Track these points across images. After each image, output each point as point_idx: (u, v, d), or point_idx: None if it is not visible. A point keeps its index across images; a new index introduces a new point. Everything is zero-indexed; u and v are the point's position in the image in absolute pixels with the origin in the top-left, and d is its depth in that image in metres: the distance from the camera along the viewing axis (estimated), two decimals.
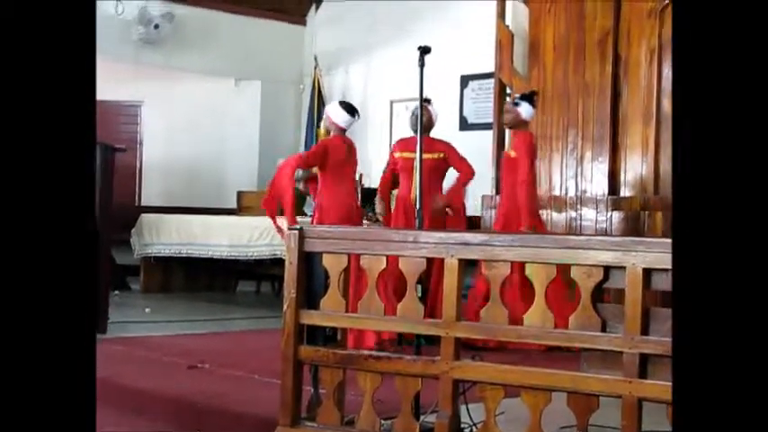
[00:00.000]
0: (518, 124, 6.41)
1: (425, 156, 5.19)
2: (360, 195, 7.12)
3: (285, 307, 3.41)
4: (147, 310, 7.87)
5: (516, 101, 6.53)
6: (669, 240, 2.93)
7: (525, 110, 6.37)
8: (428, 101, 6.17)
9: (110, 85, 10.32)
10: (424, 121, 4.10)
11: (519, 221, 6.20)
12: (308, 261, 3.45)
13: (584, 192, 7.62)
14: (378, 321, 3.41)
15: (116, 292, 8.60)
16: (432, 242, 3.23)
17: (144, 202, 10.99)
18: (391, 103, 10.29)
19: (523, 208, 6.20)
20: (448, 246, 3.18)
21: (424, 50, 3.80)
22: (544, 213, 7.54)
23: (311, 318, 3.43)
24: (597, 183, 7.58)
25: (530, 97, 6.49)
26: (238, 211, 10.15)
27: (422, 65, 3.75)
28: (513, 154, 6.36)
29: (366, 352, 3.65)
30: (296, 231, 3.44)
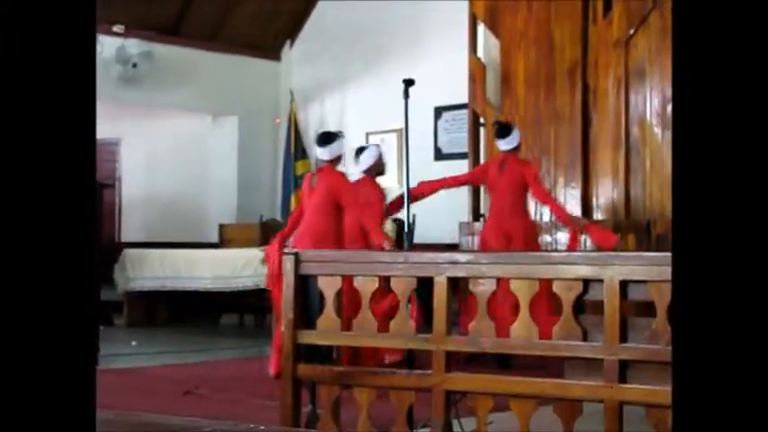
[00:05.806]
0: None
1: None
2: None
3: (283, 327, 3.60)
4: (133, 343, 7.99)
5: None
6: (642, 254, 3.17)
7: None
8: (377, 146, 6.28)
9: None
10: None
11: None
12: (304, 283, 3.64)
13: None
14: (372, 338, 3.60)
15: (100, 327, 8.69)
16: (422, 262, 3.44)
17: (124, 239, 11.12)
18: (367, 134, 10.50)
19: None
20: (437, 265, 3.38)
21: (409, 82, 4.02)
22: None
23: (308, 337, 3.61)
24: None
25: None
26: (221, 243, 10.30)
27: (407, 96, 3.96)
28: None
29: (362, 368, 3.82)
30: (291, 256, 3.63)
